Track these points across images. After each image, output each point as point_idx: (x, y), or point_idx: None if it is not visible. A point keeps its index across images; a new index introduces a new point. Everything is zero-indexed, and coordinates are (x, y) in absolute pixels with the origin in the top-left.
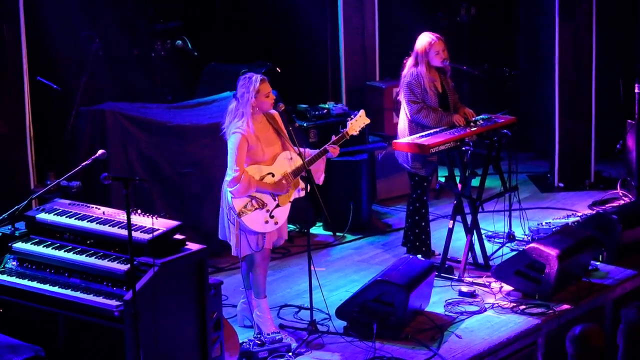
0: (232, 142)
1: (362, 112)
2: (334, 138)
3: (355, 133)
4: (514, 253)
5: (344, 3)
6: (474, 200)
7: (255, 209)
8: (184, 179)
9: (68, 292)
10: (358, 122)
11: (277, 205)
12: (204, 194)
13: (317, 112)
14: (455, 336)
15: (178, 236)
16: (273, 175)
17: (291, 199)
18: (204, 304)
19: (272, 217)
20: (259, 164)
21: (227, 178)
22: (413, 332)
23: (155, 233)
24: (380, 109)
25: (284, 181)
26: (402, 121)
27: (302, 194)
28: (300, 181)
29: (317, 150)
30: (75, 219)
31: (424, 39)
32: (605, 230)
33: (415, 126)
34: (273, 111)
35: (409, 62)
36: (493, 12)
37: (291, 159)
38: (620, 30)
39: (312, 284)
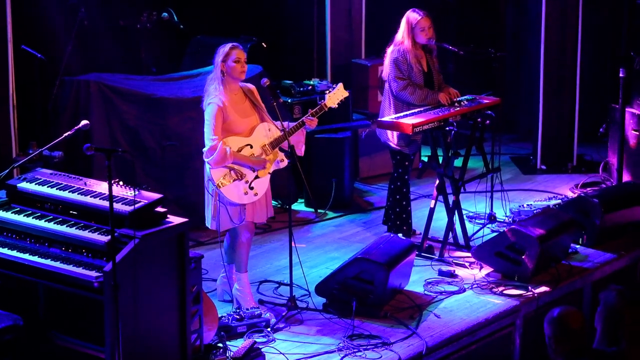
0: (207, 113)
1: (340, 85)
2: (310, 111)
3: (334, 106)
4: (495, 234)
5: None
6: (456, 181)
7: (234, 180)
8: (166, 151)
9: (48, 262)
10: (336, 94)
11: (256, 177)
12: (187, 166)
13: (301, 89)
14: (434, 315)
15: (159, 209)
16: (251, 147)
17: (270, 171)
18: (184, 277)
19: (251, 188)
20: (236, 135)
21: (204, 149)
22: (392, 311)
23: (137, 205)
24: (365, 86)
25: (263, 155)
26: (386, 98)
27: (282, 165)
28: (279, 152)
29: (295, 123)
30: (56, 189)
31: (410, 15)
32: (586, 213)
33: (400, 103)
34: (250, 85)
35: (396, 38)
36: None
37: (269, 130)
38: (607, 13)
39: (293, 260)
